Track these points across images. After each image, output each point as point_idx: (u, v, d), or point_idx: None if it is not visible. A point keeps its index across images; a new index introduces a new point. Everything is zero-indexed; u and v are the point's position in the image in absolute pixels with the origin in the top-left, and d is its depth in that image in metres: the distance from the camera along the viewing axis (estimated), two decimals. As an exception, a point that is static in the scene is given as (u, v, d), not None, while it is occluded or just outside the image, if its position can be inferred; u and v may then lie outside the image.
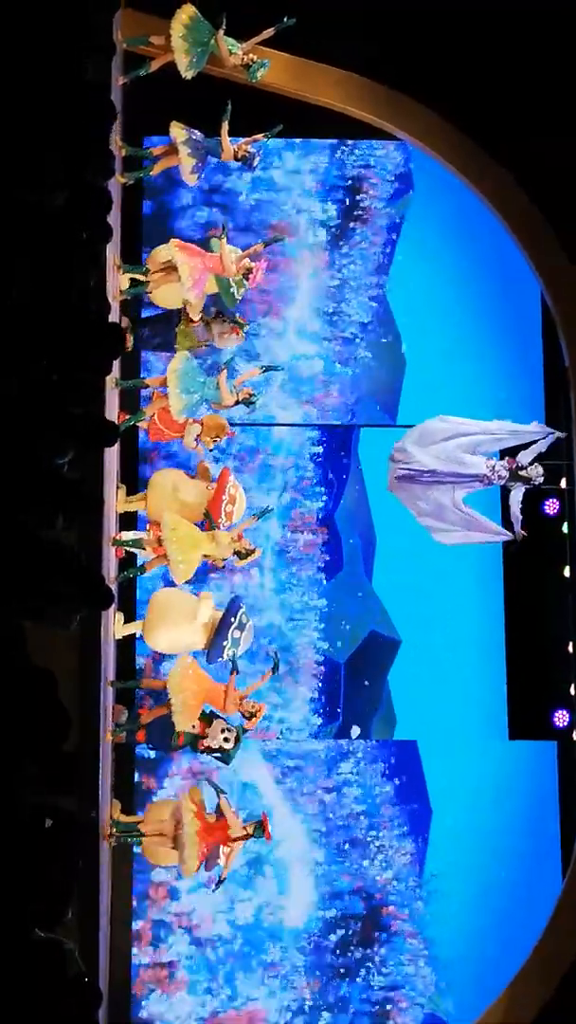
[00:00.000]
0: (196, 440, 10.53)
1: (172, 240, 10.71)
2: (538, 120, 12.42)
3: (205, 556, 10.11)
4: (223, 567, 10.64)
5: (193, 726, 9.80)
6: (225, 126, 10.65)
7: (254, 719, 9.92)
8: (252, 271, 10.65)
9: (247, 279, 10.68)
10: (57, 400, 6.51)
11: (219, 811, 9.71)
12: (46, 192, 5.86)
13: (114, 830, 9.80)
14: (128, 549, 10.37)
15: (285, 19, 10.82)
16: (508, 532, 11.51)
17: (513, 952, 11.89)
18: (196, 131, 10.71)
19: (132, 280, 10.74)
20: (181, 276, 10.36)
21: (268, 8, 11.00)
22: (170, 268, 10.53)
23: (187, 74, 10.79)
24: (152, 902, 12.03)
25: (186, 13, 10.66)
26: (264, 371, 10.97)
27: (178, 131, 10.70)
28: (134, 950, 11.89)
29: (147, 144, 11.45)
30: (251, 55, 10.92)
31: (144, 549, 10.30)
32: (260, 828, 9.70)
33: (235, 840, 9.66)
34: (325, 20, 11.80)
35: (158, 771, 12.13)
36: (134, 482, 11.50)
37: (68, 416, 6.63)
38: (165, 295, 10.72)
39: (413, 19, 12.17)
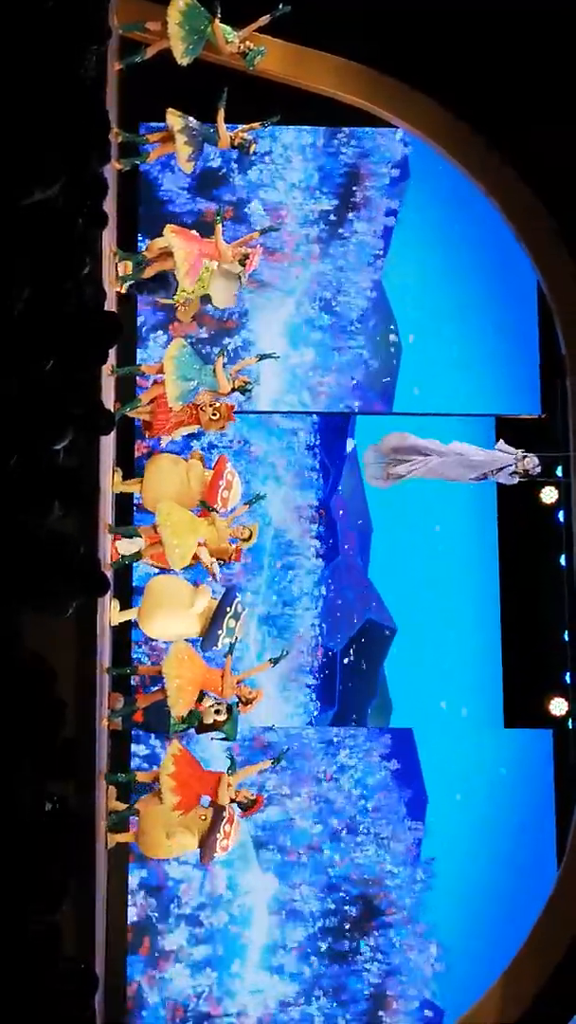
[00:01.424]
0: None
1: (168, 225, 10.67)
2: (536, 109, 12.40)
3: (201, 545, 10.09)
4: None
5: (191, 711, 9.82)
6: (221, 113, 10.62)
7: (250, 705, 9.94)
8: (249, 257, 10.63)
9: (244, 265, 10.66)
10: (55, 389, 6.50)
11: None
12: (48, 185, 5.84)
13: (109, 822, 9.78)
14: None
15: (280, 6, 10.78)
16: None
17: (509, 937, 11.93)
18: (192, 118, 10.68)
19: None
20: (176, 261, 10.34)
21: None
22: (166, 255, 10.50)
23: (183, 61, 10.74)
24: (149, 889, 12.05)
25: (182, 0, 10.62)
26: (260, 359, 10.95)
27: (174, 119, 10.66)
28: (130, 936, 11.91)
29: (143, 131, 11.42)
30: (248, 42, 10.87)
31: (139, 536, 10.28)
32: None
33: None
34: (324, 7, 11.77)
35: (154, 758, 12.16)
36: (130, 466, 11.49)
37: (65, 404, 6.62)
38: None
39: (412, 7, 12.14)
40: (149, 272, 10.63)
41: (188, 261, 10.33)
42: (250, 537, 10.19)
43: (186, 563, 10.06)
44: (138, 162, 11.13)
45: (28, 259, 5.63)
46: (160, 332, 12.69)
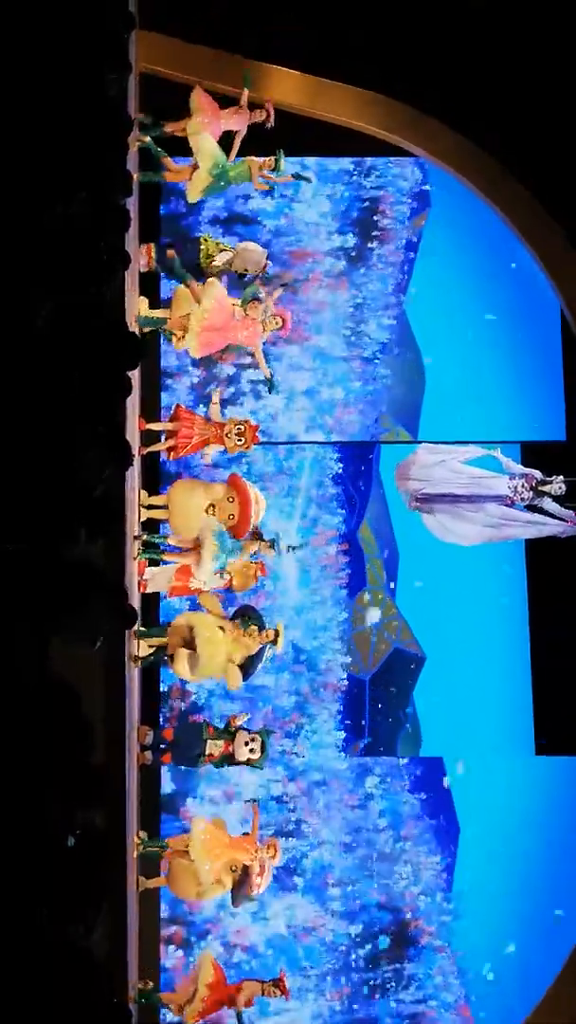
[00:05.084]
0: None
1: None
2: (553, 132, 12.43)
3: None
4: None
5: (218, 745, 9.81)
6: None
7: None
8: (284, 321, 10.71)
9: (280, 331, 10.80)
10: (83, 419, 6.51)
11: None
12: (64, 209, 5.87)
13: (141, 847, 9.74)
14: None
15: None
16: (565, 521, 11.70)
17: (544, 967, 11.83)
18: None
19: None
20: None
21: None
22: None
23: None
24: (181, 912, 11.99)
25: (208, 164, 10.60)
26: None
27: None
28: (163, 961, 11.83)
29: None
30: (268, 163, 10.94)
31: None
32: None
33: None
34: (336, 38, 11.87)
35: (185, 792, 12.13)
36: (155, 491, 11.48)
37: (95, 435, 6.63)
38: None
39: (423, 34, 12.21)
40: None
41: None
42: (276, 639, 9.99)
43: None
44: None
45: (50, 278, 5.66)
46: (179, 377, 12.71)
